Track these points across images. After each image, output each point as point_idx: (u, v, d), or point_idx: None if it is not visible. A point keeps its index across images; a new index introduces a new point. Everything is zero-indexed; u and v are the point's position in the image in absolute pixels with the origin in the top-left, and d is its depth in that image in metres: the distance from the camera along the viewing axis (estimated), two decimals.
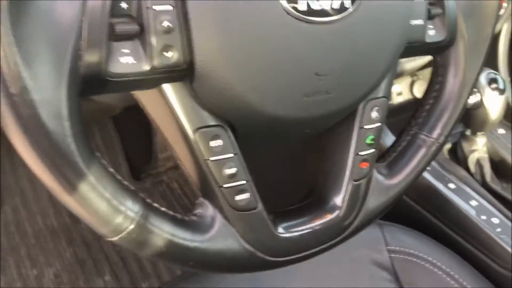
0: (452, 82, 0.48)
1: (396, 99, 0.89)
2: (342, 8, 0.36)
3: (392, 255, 0.68)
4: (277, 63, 0.36)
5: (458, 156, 0.78)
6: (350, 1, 0.36)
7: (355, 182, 0.44)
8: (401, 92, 0.89)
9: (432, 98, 0.49)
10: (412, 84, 0.89)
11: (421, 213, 0.76)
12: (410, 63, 0.79)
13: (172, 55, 0.33)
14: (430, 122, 0.49)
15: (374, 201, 0.46)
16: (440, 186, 0.73)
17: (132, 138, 1.17)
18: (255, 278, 0.64)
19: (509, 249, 0.68)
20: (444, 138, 0.49)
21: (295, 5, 0.35)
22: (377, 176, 0.47)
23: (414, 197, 0.76)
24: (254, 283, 0.64)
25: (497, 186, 0.74)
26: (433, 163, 0.75)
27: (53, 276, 1.02)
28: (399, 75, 0.81)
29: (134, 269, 1.03)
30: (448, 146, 0.79)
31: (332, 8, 0.36)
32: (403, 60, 0.79)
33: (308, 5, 0.35)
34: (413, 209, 0.77)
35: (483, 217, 0.70)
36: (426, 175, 0.74)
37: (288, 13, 0.35)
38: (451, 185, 0.73)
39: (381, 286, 0.66)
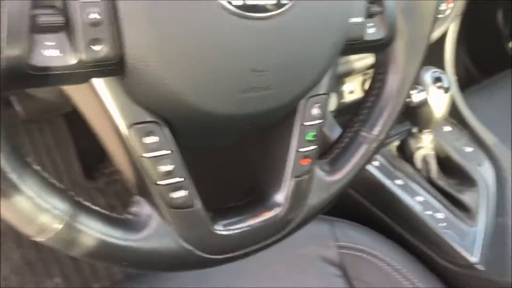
0: (392, 80, 0.49)
1: (348, 97, 0.90)
2: (279, 4, 0.36)
3: (341, 250, 0.69)
4: (212, 59, 0.35)
5: (405, 153, 0.79)
6: None
7: (297, 179, 0.44)
8: (353, 90, 0.90)
9: (373, 95, 0.50)
10: (364, 83, 0.90)
11: (370, 209, 0.78)
12: (360, 62, 0.80)
13: (101, 49, 0.32)
14: (371, 119, 0.50)
15: (315, 198, 0.46)
16: (388, 182, 0.75)
17: (85, 136, 1.14)
18: (203, 277, 0.63)
19: (453, 243, 0.70)
20: (384, 135, 0.50)
21: (230, 0, 0.34)
22: (319, 172, 0.47)
23: (363, 194, 0.78)
24: (202, 282, 0.63)
25: (442, 182, 0.76)
26: (382, 160, 0.77)
27: (0, 279, 0.99)
28: (349, 73, 0.82)
29: (86, 270, 1.01)
30: (396, 143, 0.81)
31: (269, 4, 0.36)
32: (352, 58, 0.80)
33: (244, 0, 0.35)
34: (362, 205, 0.78)
35: (429, 213, 0.72)
36: (374, 171, 0.75)
37: (223, 7, 0.34)
38: (399, 182, 0.75)
39: (329, 281, 0.67)
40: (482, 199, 0.76)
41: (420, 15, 0.48)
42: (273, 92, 0.39)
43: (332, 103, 0.88)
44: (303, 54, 0.40)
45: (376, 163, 0.76)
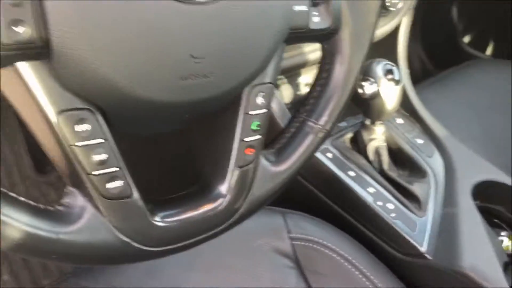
0: (338, 70, 0.49)
1: (305, 89, 0.90)
2: None
3: (294, 242, 0.69)
4: (146, 43, 0.34)
5: (358, 145, 0.80)
6: None
7: (241, 169, 0.44)
8: (309, 82, 0.90)
9: (320, 85, 0.50)
10: None
11: (323, 200, 0.78)
12: (314, 54, 0.80)
13: (24, 31, 0.30)
14: (317, 109, 0.49)
15: (260, 188, 0.46)
16: (340, 174, 0.75)
17: None
18: (153, 270, 0.62)
19: (402, 233, 0.71)
20: (331, 125, 0.50)
21: None
22: (264, 162, 0.46)
23: (316, 185, 0.78)
24: (152, 276, 0.62)
25: (393, 174, 0.77)
26: (335, 152, 0.77)
27: None
28: (303, 65, 0.82)
29: (36, 267, 0.97)
30: (349, 135, 0.81)
31: None
32: (307, 50, 0.80)
33: None
34: (316, 196, 0.78)
35: (379, 203, 0.73)
36: (328, 163, 0.76)
37: None
38: (351, 173, 0.75)
39: (282, 273, 0.67)
40: (431, 190, 0.77)
41: (364, 6, 0.48)
42: (213, 80, 0.38)
43: (288, 95, 0.88)
44: (244, 41, 0.39)
45: (329, 154, 0.77)
